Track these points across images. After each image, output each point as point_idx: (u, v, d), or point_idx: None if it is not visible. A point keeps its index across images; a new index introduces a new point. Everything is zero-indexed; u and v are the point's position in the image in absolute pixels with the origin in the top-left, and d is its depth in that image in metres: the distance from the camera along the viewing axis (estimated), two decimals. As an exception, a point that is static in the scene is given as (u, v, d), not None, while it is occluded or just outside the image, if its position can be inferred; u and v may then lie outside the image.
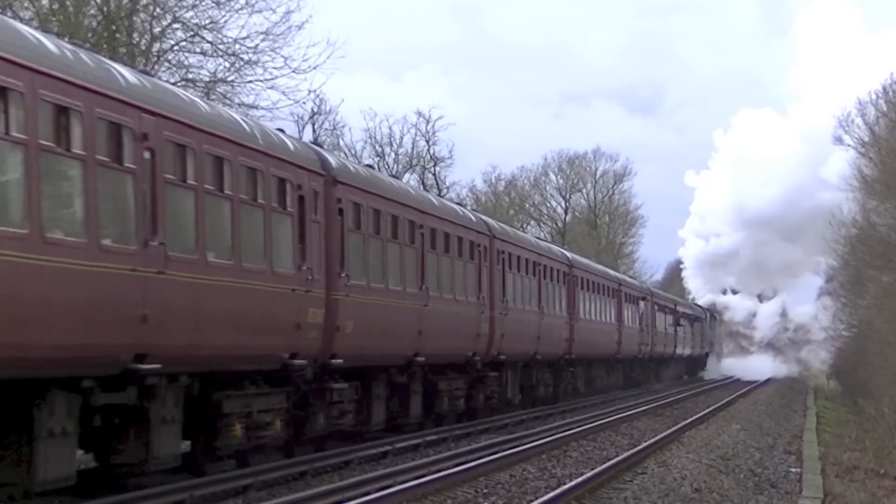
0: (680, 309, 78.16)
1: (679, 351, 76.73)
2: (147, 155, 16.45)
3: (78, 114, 14.98)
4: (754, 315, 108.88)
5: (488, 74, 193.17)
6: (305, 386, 22.06)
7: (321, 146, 26.24)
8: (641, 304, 62.46)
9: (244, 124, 20.31)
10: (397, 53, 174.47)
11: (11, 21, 15.88)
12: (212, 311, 18.13)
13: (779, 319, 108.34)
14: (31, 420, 14.66)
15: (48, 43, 15.07)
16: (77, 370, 15.31)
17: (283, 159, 20.83)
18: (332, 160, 23.73)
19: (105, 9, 34.99)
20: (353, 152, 64.32)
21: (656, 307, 67.61)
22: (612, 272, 59.83)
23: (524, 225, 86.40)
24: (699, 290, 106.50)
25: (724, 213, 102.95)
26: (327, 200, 22.59)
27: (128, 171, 16.07)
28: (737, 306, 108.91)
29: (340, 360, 22.86)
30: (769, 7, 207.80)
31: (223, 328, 18.42)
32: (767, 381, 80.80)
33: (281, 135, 22.06)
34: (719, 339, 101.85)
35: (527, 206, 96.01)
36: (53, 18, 33.21)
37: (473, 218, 33.83)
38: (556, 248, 47.96)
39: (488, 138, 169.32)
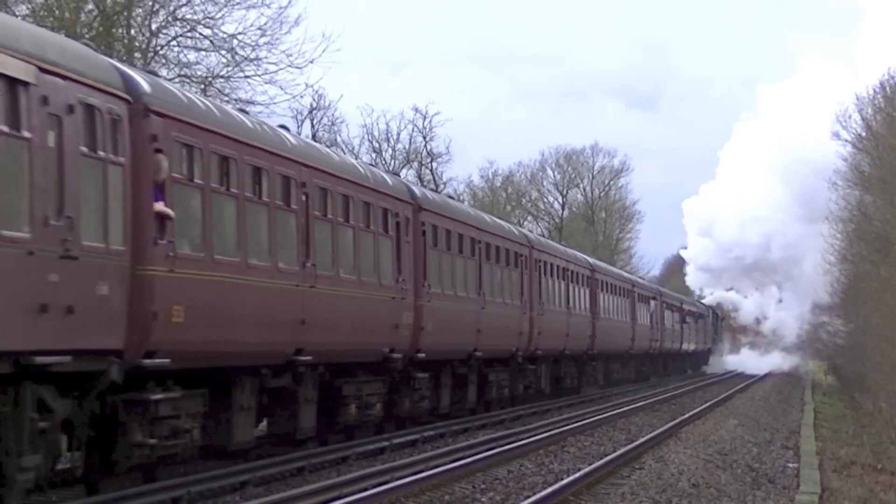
0: (686, 307, 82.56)
1: (685, 347, 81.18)
2: (303, 198, 21.57)
3: (266, 172, 20.12)
4: (757, 315, 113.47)
5: (488, 69, 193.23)
6: (397, 375, 27.03)
7: (323, 143, 29.75)
8: (652, 303, 66.85)
9: (359, 167, 26.15)
10: (396, 47, 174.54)
11: (226, 107, 21.93)
12: (343, 315, 23.17)
13: (776, 315, 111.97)
14: (230, 397, 19.51)
15: (247, 121, 20.55)
16: (260, 361, 20.29)
17: (385, 193, 25.91)
18: (417, 191, 29.38)
19: (102, 5, 35.00)
20: (351, 148, 64.33)
21: (665, 306, 71.92)
22: (626, 274, 65.92)
23: (521, 220, 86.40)
24: (703, 284, 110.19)
25: (727, 215, 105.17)
26: (414, 224, 27.75)
27: (292, 211, 21.18)
28: (739, 305, 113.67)
29: (423, 355, 27.74)
30: (770, 4, 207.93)
31: (349, 328, 23.47)
32: (766, 375, 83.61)
33: (381, 172, 28.04)
34: (721, 335, 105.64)
35: (524, 201, 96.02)
36: (48, 14, 33.25)
37: (517, 232, 39.79)
38: (581, 254, 52.75)
39: (487, 133, 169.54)
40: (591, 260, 52.58)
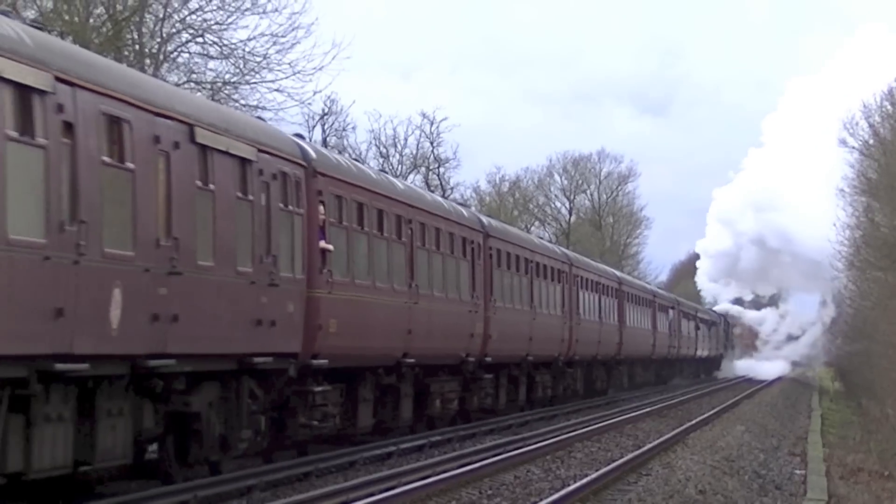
0: (700, 315, 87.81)
1: (699, 353, 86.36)
2: (409, 231, 26.92)
3: (385, 213, 25.63)
4: (764, 323, 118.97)
5: (500, 73, 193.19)
6: (469, 376, 31.90)
7: (334, 148, 32.40)
8: (670, 312, 72.10)
9: (444, 204, 31.89)
10: (407, 52, 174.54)
11: (341, 156, 26.89)
12: (436, 326, 28.31)
13: (781, 320, 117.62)
14: (356, 392, 24.71)
15: (371, 173, 26.43)
16: (379, 362, 25.54)
17: (463, 224, 31.49)
18: (484, 220, 34.65)
19: (112, 10, 35.05)
20: (358, 153, 64.35)
21: (681, 314, 76.95)
22: (648, 286, 71.97)
23: (528, 226, 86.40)
24: (715, 293, 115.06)
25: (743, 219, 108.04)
26: (484, 249, 33.05)
27: (402, 243, 26.54)
28: (748, 313, 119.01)
29: (490, 359, 32.82)
30: (783, 7, 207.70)
31: (440, 336, 28.70)
32: (775, 380, 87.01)
33: (459, 207, 33.74)
34: (732, 342, 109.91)
35: (531, 206, 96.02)
36: (56, 18, 33.28)
37: (559, 251, 46.07)
38: (610, 269, 58.27)
39: (497, 138, 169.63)
40: (618, 274, 58.64)
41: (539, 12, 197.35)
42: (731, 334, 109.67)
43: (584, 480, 20.06)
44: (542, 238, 58.07)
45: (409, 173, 67.64)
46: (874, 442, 31.74)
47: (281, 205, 20.42)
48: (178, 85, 26.11)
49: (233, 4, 36.25)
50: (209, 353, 18.07)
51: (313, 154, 22.56)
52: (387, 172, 38.45)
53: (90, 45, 27.99)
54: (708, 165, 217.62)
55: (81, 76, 14.90)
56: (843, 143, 54.83)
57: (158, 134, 16.53)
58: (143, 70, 21.87)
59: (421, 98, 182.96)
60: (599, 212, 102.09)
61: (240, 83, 37.11)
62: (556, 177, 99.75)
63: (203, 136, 17.69)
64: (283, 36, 36.83)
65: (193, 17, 36.26)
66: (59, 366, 14.28)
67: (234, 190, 18.67)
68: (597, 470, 22.04)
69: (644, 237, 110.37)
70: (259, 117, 25.85)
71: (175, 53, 36.44)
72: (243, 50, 36.58)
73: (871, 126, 52.96)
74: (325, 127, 59.42)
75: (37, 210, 13.91)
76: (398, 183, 28.84)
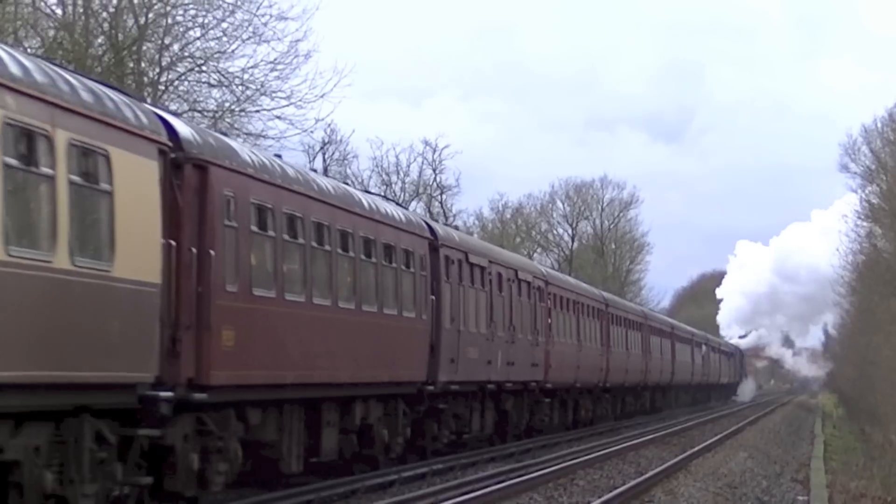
0: (722, 348, 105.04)
1: (722, 380, 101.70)
2: (509, 288, 34.43)
3: (509, 279, 33.37)
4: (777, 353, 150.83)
5: (513, 99, 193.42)
6: (530, 398, 38.44)
7: (341, 180, 34.94)
8: (703, 347, 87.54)
9: (519, 259, 40.14)
10: (421, 78, 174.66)
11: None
12: (523, 358, 36.12)
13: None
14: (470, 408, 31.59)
15: (472, 238, 33.18)
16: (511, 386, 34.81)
17: (534, 275, 38.35)
18: (544, 270, 42.12)
19: (112, 38, 35.08)
20: (360, 181, 64.28)
21: (711, 348, 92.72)
22: (692, 329, 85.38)
23: (531, 253, 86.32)
24: (734, 328, 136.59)
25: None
26: (545, 294, 39.37)
27: (502, 296, 33.69)
28: (761, 345, 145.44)
29: (550, 385, 39.46)
30: (802, 31, 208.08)
31: (527, 365, 36.56)
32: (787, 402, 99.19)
33: (532, 263, 43.33)
34: (745, 370, 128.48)
35: (533, 233, 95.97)
36: (58, 47, 33.33)
37: (597, 293, 52.20)
38: (661, 315, 75.20)
39: (507, 163, 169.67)
40: (670, 320, 75.48)
41: (555, 38, 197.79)
42: (744, 364, 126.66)
43: (587, 508, 19.96)
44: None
45: (412, 200, 67.62)
46: (877, 468, 31.60)
47: (414, 269, 26.58)
48: (179, 114, 26.08)
49: (234, 33, 36.25)
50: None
51: (441, 232, 29.38)
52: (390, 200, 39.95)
53: (91, 73, 27.98)
54: (718, 191, 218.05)
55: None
56: (845, 168, 54.79)
57: None
58: (142, 99, 21.75)
59: (430, 124, 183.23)
60: (602, 238, 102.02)
61: (241, 112, 37.08)
62: (559, 203, 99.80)
63: None
64: (282, 63, 36.79)
65: (193, 45, 36.29)
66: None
67: None
68: (599, 497, 21.95)
69: (646, 263, 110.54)
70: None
71: (176, 82, 36.45)
72: (241, 78, 36.56)
73: (872, 151, 52.95)
74: (326, 156, 59.41)
75: None
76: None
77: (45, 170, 13.32)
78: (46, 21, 34.83)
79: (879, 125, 52.48)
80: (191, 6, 36.18)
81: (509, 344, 34.01)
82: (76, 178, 13.78)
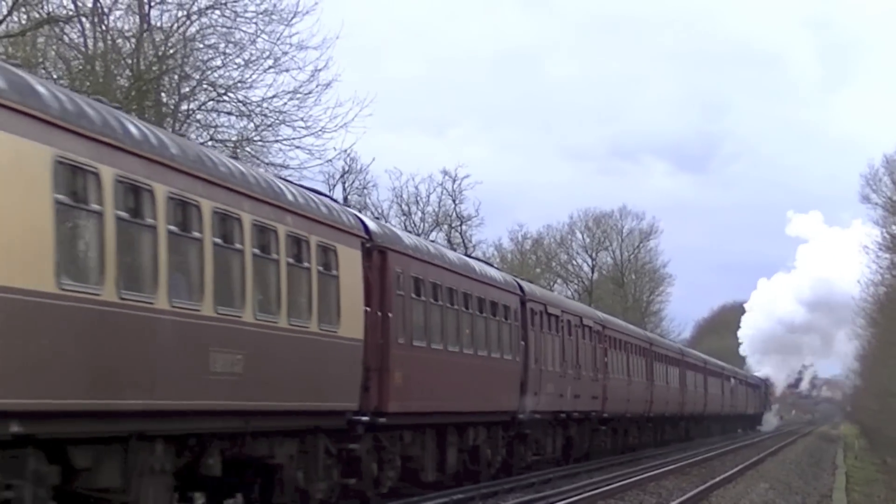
0: (749, 381, 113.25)
1: (748, 411, 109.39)
2: (597, 337, 44.50)
3: (561, 318, 38.40)
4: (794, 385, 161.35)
5: (536, 128, 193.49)
6: (589, 426, 44.36)
7: (354, 206, 36.41)
8: (732, 380, 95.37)
9: (593, 309, 49.04)
10: (443, 107, 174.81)
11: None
12: (588, 393, 41.93)
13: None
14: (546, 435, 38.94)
15: (541, 291, 40.97)
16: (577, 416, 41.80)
17: (593, 319, 44.20)
18: (601, 316, 48.32)
19: (135, 69, 35.21)
20: (380, 211, 64.41)
21: (738, 381, 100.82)
22: (723, 364, 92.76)
23: (551, 284, 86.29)
24: (759, 363, 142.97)
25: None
26: (602, 336, 45.49)
27: (593, 345, 42.94)
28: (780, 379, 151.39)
29: (606, 414, 45.88)
30: (827, 60, 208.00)
31: (588, 398, 41.94)
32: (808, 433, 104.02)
33: (590, 308, 50.85)
34: (769, 402, 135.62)
35: (553, 264, 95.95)
36: (84, 79, 33.49)
37: (642, 333, 59.92)
38: (697, 352, 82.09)
39: (529, 194, 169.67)
40: (703, 356, 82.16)
41: (579, 68, 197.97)
42: (768, 395, 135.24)
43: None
44: (562, 293, 61.50)
45: (431, 231, 67.74)
46: (899, 499, 31.38)
47: (510, 321, 32.75)
48: (200, 143, 26.21)
49: (254, 63, 36.37)
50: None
51: (528, 289, 35.54)
52: (409, 230, 40.15)
53: (114, 103, 28.05)
54: (738, 221, 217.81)
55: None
56: (866, 199, 54.63)
57: None
58: (161, 125, 21.86)
59: (451, 153, 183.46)
60: (622, 269, 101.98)
61: (262, 142, 37.19)
62: (578, 234, 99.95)
63: None
64: (301, 92, 36.90)
65: (215, 75, 36.41)
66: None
67: None
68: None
69: (666, 294, 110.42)
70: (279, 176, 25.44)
71: (196, 112, 36.57)
72: (260, 106, 36.68)
73: (893, 181, 52.73)
74: (346, 186, 59.50)
75: None
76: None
77: (306, 264, 19.50)
78: (69, 52, 35.02)
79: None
80: (211, 35, 36.36)
81: (576, 380, 40.96)
82: (320, 268, 19.97)
